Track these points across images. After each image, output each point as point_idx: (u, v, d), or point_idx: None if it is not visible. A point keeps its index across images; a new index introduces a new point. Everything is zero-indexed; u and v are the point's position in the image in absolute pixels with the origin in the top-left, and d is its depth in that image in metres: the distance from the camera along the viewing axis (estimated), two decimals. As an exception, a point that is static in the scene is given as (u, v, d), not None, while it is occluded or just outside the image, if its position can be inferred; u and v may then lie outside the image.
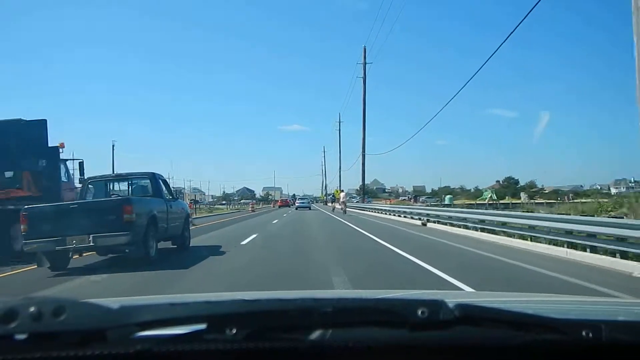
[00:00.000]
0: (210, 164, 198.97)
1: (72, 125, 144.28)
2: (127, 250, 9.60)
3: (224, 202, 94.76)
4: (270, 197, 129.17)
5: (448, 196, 69.18)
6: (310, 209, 51.12)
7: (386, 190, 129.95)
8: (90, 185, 11.57)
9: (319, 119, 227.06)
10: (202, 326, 0.94)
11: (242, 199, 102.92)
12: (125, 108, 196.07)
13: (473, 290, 6.27)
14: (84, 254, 10.04)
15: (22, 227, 9.13)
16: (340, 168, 70.99)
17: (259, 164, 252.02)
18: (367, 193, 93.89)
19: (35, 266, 9.11)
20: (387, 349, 1.00)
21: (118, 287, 7.72)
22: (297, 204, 58.60)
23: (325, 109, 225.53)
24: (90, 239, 8.83)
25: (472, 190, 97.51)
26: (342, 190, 43.09)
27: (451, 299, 1.08)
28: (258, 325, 0.97)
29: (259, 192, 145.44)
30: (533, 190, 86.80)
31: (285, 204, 73.42)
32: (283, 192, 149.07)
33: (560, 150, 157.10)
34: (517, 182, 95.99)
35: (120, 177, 12.38)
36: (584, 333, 0.98)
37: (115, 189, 11.90)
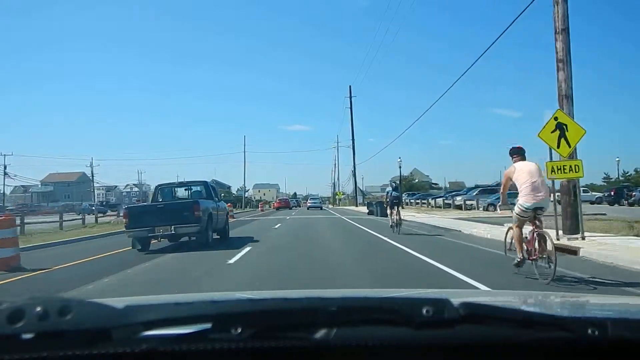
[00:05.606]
0: (208, 162, 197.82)
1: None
2: (194, 238, 12.92)
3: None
4: (241, 191, 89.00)
5: None
6: (321, 209, 48.77)
7: (433, 185, 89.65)
8: (160, 190, 15.25)
9: (320, 119, 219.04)
10: (208, 325, 0.94)
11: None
12: (123, 107, 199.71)
13: (479, 289, 6.09)
14: (160, 241, 13.19)
15: (125, 220, 12.67)
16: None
17: (257, 161, 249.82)
18: (410, 187, 77.37)
19: (130, 247, 12.28)
20: (392, 348, 0.99)
21: (201, 258, 10.50)
22: (308, 204, 57.37)
23: (326, 109, 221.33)
24: (172, 228, 12.04)
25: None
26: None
27: (456, 298, 1.07)
28: (263, 325, 0.96)
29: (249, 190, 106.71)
30: None
31: (285, 205, 61.44)
32: (280, 191, 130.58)
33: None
34: None
35: (181, 184, 16.13)
36: (589, 330, 0.96)
37: (178, 193, 15.39)
